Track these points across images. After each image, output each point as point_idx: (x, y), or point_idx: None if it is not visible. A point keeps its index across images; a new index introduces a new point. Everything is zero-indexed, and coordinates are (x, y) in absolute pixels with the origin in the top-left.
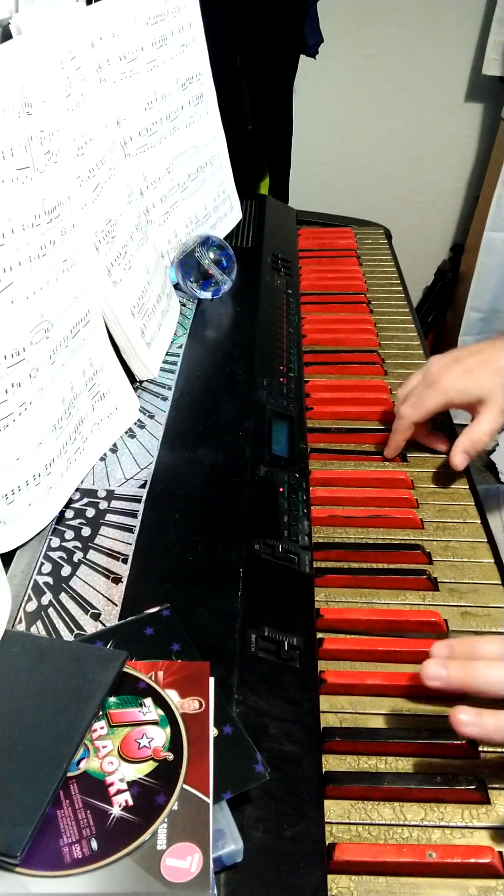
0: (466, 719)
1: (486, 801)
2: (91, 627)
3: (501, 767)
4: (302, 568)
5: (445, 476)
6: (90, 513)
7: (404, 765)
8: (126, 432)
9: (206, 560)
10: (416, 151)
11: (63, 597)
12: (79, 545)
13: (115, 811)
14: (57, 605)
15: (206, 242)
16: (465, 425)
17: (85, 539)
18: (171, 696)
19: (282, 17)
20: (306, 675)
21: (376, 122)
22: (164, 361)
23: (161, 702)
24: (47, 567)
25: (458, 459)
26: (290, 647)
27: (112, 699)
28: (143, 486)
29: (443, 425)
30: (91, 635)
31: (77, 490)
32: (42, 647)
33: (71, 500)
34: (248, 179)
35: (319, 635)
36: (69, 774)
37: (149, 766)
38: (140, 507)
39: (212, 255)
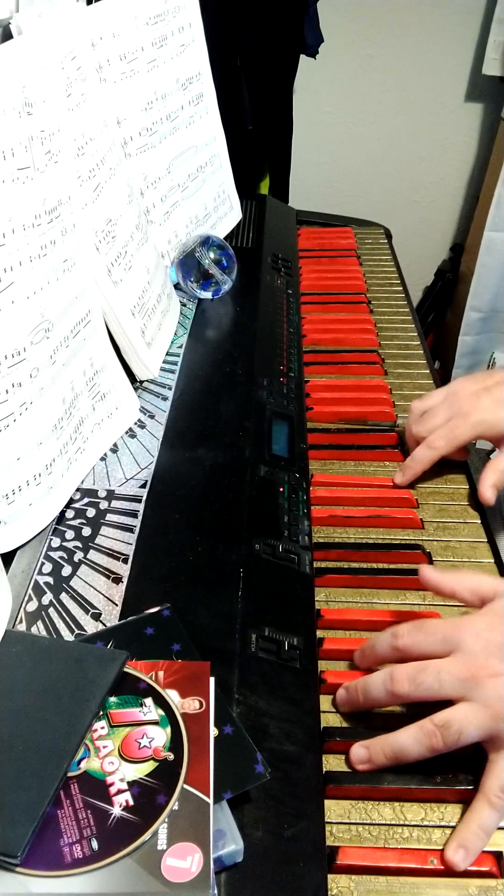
0: (357, 758)
1: None
2: (91, 627)
3: None
4: (302, 568)
5: (445, 476)
6: (90, 513)
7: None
8: (126, 432)
9: (206, 560)
10: (416, 151)
11: (63, 597)
12: (79, 545)
13: (116, 811)
14: (57, 605)
15: (207, 242)
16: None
17: (85, 539)
18: (172, 696)
19: (282, 17)
20: (306, 675)
21: (376, 122)
22: (165, 361)
23: (161, 702)
24: (48, 567)
25: (489, 494)
26: (291, 647)
27: (112, 699)
28: (143, 486)
29: None
30: (91, 635)
31: (77, 490)
32: (42, 647)
33: (71, 500)
34: (248, 179)
35: (320, 635)
36: (69, 774)
37: (149, 766)
38: (140, 507)
39: (212, 255)
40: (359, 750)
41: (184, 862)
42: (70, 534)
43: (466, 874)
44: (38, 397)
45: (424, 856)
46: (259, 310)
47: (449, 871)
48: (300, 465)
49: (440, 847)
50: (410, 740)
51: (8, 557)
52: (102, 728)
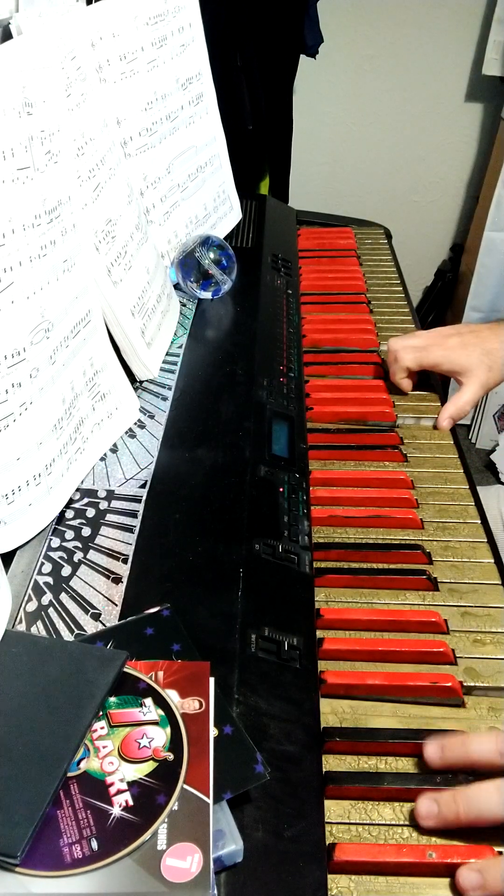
0: (424, 812)
1: None
2: (91, 627)
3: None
4: (302, 568)
5: (445, 476)
6: (90, 513)
7: (404, 765)
8: (126, 432)
9: (206, 560)
10: (416, 151)
11: (63, 597)
12: (79, 545)
13: (116, 811)
14: (57, 605)
15: (206, 242)
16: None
17: (85, 539)
18: (172, 696)
19: (282, 17)
20: (306, 675)
21: (376, 122)
22: (164, 361)
23: (161, 702)
24: (47, 567)
25: (445, 423)
26: (290, 647)
27: (112, 699)
28: (143, 486)
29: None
30: (91, 635)
31: (77, 490)
32: (42, 648)
33: (71, 500)
34: (248, 179)
35: (319, 635)
36: (69, 774)
37: (149, 766)
38: (140, 507)
39: (212, 255)
40: (426, 804)
41: (184, 862)
42: (70, 534)
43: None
44: (38, 397)
45: (423, 850)
46: (259, 310)
47: (447, 867)
48: (300, 466)
49: (438, 842)
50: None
51: (8, 557)
52: (102, 728)
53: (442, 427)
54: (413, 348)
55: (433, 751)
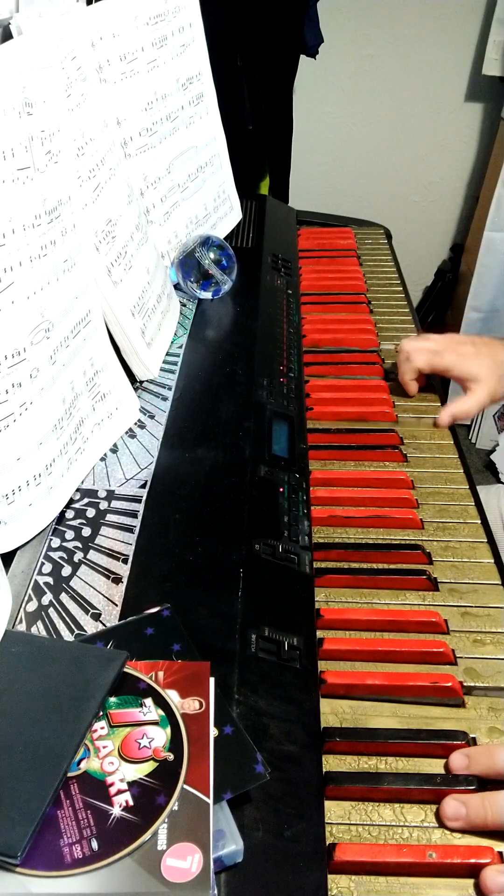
0: (452, 813)
1: None
2: (91, 627)
3: None
4: (302, 568)
5: (445, 476)
6: (90, 513)
7: (404, 765)
8: (126, 432)
9: (206, 560)
10: (416, 151)
11: (63, 597)
12: (79, 545)
13: (116, 811)
14: (57, 605)
15: (207, 242)
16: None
17: (85, 539)
18: (172, 696)
19: (282, 18)
20: (306, 675)
21: (376, 122)
22: (165, 361)
23: (161, 702)
24: (48, 567)
25: (445, 419)
26: (291, 648)
27: (112, 699)
28: (143, 486)
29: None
30: (91, 635)
31: (77, 490)
32: (42, 648)
33: (71, 501)
34: (248, 179)
35: (319, 635)
36: (69, 774)
37: (149, 767)
38: (140, 507)
39: (212, 255)
40: (454, 806)
41: (184, 862)
42: (70, 534)
43: (466, 873)
44: (38, 397)
45: (423, 850)
46: (259, 310)
47: (447, 867)
48: (300, 466)
49: (439, 842)
50: None
51: (8, 557)
52: (102, 728)
53: (441, 423)
54: (427, 351)
55: (459, 761)
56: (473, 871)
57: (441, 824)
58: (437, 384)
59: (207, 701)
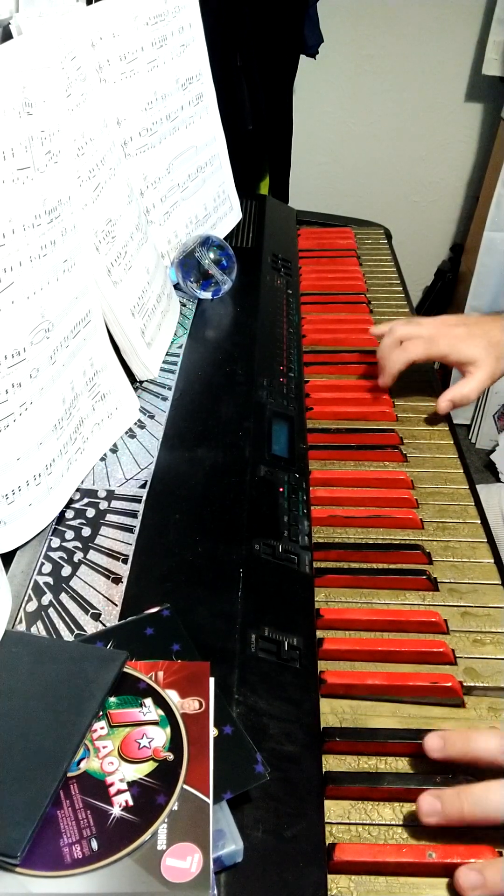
0: (427, 809)
1: None
2: (91, 627)
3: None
4: (302, 568)
5: (445, 476)
6: (90, 513)
7: (404, 765)
8: (126, 432)
9: (206, 560)
10: (416, 151)
11: (63, 597)
12: (79, 545)
13: (116, 811)
14: (57, 606)
15: (206, 242)
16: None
17: (85, 539)
18: (172, 696)
19: (282, 18)
20: (306, 675)
21: (376, 122)
22: (164, 361)
23: (161, 702)
24: (47, 567)
25: (444, 405)
26: (290, 648)
27: (112, 699)
28: (143, 486)
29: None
30: (91, 635)
31: (77, 490)
32: (42, 648)
33: (71, 501)
34: (248, 179)
35: (319, 635)
36: (69, 774)
37: (149, 767)
38: (140, 507)
39: (212, 255)
40: (429, 802)
41: (183, 862)
42: (70, 534)
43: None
44: (38, 397)
45: (423, 850)
46: (259, 310)
47: (447, 867)
48: (300, 466)
49: (439, 842)
50: None
51: (8, 557)
52: (102, 728)
53: (440, 409)
54: (420, 339)
55: (434, 742)
56: None
57: (419, 823)
58: (437, 384)
59: (207, 701)
